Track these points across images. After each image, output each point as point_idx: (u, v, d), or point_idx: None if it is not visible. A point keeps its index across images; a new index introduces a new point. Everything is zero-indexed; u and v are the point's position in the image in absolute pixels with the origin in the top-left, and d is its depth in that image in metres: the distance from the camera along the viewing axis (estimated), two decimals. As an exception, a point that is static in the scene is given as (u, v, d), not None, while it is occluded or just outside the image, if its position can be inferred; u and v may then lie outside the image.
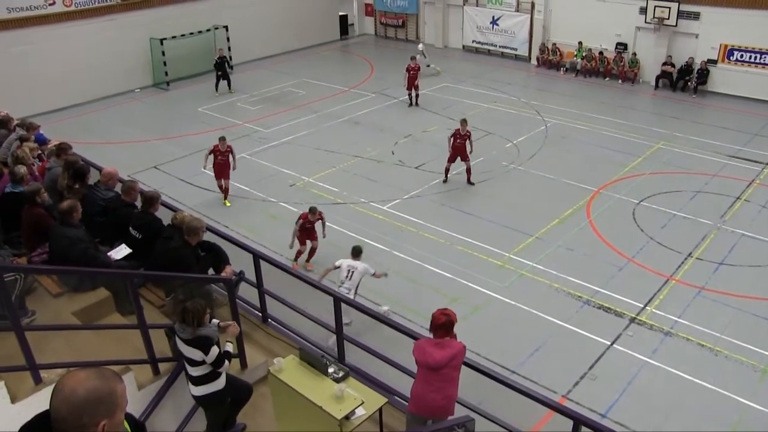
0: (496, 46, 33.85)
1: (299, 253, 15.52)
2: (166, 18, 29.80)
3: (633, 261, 15.36)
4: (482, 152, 21.30)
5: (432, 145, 22.04)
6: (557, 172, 19.97)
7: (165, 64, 29.45)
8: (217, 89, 28.72)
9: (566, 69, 30.87)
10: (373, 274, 12.64)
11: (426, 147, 22.02)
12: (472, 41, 34.66)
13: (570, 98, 27.15)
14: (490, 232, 16.68)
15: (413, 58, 26.63)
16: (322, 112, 25.76)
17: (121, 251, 8.76)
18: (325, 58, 34.66)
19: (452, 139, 19.05)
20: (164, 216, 9.38)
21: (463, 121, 19.18)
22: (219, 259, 8.77)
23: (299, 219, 15.21)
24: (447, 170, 19.54)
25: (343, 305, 8.09)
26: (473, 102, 26.34)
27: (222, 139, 18.42)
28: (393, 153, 21.65)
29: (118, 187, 9.99)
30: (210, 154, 18.25)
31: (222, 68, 28.50)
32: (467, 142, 18.97)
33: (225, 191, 18.63)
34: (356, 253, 12.76)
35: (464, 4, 34.43)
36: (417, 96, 26.38)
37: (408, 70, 26.02)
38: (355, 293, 12.48)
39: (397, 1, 37.74)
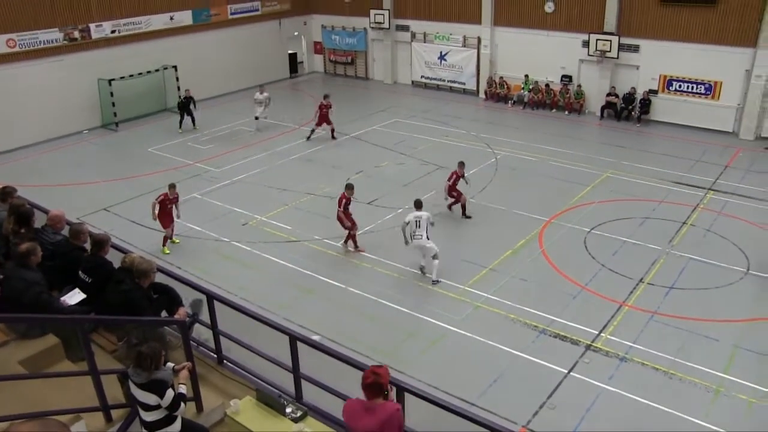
0: (444, 80, 34.37)
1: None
2: (114, 58, 29.58)
3: (586, 288, 15.55)
4: (434, 185, 21.45)
5: (383, 180, 22.12)
6: (509, 203, 20.20)
7: (114, 104, 29.11)
8: (180, 126, 28.70)
9: (514, 102, 31.44)
10: (432, 224, 15.93)
11: (378, 182, 22.06)
12: (421, 76, 35.15)
13: (518, 130, 27.61)
14: (444, 264, 16.73)
15: (326, 97, 26.61)
16: (273, 150, 25.67)
17: (74, 296, 8.54)
18: (276, 96, 34.62)
19: (452, 181, 19.09)
20: (115, 259, 9.19)
21: (461, 164, 19.19)
22: (172, 300, 8.61)
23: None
24: (452, 206, 19.70)
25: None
26: (423, 136, 26.59)
27: (172, 186, 18.06)
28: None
29: (66, 231, 9.78)
30: (158, 203, 17.67)
31: (186, 107, 28.53)
32: (462, 179, 19.22)
33: (165, 239, 18.17)
34: (418, 205, 16.11)
35: (412, 41, 35.00)
36: (333, 130, 26.74)
37: (320, 107, 26.41)
38: (428, 237, 15.73)
39: (346, 39, 38.17)
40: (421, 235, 15.71)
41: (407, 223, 15.76)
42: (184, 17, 32.68)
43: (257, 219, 19.70)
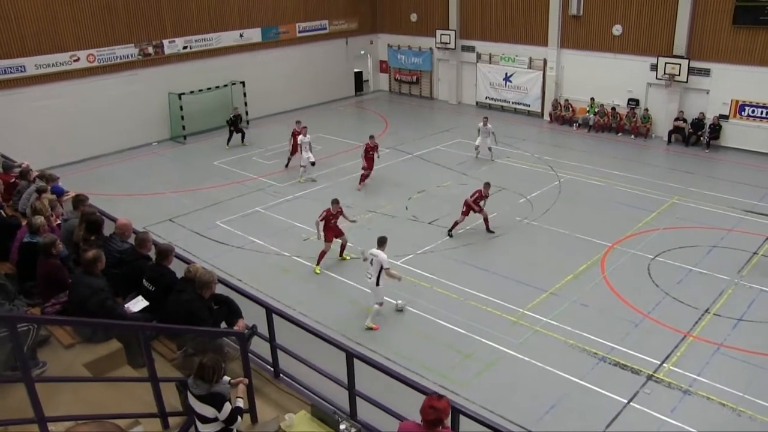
0: (509, 102, 34.16)
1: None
2: (184, 74, 30.38)
3: (649, 317, 15.13)
4: (496, 207, 21.26)
5: (445, 200, 22.01)
6: (571, 227, 19.87)
7: (182, 118, 29.89)
8: (228, 144, 29.14)
9: (579, 125, 31.04)
10: (387, 269, 14.33)
11: (439, 202, 21.99)
12: (486, 97, 35.02)
13: (583, 153, 27.22)
14: (503, 287, 16.53)
15: (372, 137, 23.77)
16: (336, 167, 25.84)
17: (138, 303, 8.72)
18: (341, 113, 35.05)
19: (473, 198, 19.33)
20: (178, 269, 9.35)
21: (487, 185, 19.49)
22: (232, 312, 8.69)
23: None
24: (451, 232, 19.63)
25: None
26: (487, 158, 26.40)
27: (335, 202, 17.63)
28: (407, 208, 21.62)
29: (132, 239, 10.00)
30: (322, 220, 17.32)
31: (235, 124, 29.02)
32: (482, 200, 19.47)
33: (342, 248, 18.11)
34: (380, 242, 14.63)
35: (478, 62, 34.93)
36: (368, 176, 23.87)
37: (366, 150, 23.60)
38: (377, 280, 14.48)
39: (412, 59, 38.32)
40: (371, 276, 14.60)
41: (365, 260, 14.87)
42: (254, 35, 33.34)
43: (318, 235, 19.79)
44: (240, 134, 29.38)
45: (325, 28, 36.79)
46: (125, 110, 28.89)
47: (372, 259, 14.55)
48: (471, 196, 19.38)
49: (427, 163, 26.37)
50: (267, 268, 17.93)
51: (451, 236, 19.44)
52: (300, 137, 24.17)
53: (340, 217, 17.73)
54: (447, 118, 33.43)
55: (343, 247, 18.13)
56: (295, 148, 25.29)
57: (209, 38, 31.46)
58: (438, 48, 36.29)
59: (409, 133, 29.45)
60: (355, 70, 39.63)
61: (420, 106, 36.37)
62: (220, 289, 8.98)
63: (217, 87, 31.41)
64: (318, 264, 17.62)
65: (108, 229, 10.46)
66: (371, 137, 23.73)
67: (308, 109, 35.67)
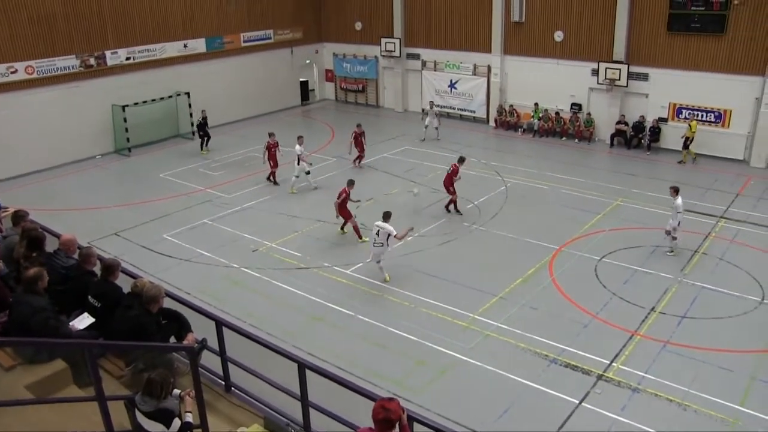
0: (454, 108, 34.45)
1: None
2: (128, 85, 29.84)
3: (597, 318, 15.37)
4: (443, 213, 21.43)
5: (394, 207, 21.87)
6: (519, 231, 20.08)
7: (127, 130, 29.32)
8: (202, 148, 29.39)
9: (524, 130, 31.45)
10: (395, 236, 16.67)
11: (386, 208, 21.86)
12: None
13: (528, 158, 27.59)
14: (454, 293, 16.59)
15: (359, 125, 26.77)
16: (284, 177, 25.65)
17: (83, 321, 8.49)
18: (287, 123, 34.83)
19: (452, 171, 21.36)
20: (124, 284, 9.15)
21: (462, 159, 21.95)
22: (181, 326, 8.53)
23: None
24: (448, 207, 21.84)
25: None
26: (433, 164, 26.52)
27: (350, 183, 20.08)
28: (355, 216, 21.57)
29: (77, 255, 9.74)
30: (340, 202, 19.71)
31: (204, 128, 29.07)
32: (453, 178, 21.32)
33: (356, 229, 19.97)
34: (385, 216, 17.08)
35: (423, 69, 35.17)
36: (361, 158, 26.92)
37: (355, 136, 26.44)
38: (386, 244, 16.91)
39: (357, 67, 38.37)
40: (380, 243, 16.93)
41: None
42: (198, 45, 32.98)
43: (267, 245, 19.65)
44: (206, 138, 29.45)
45: (270, 38, 36.60)
46: (67, 123, 28.22)
47: (378, 231, 16.83)
48: (450, 171, 21.47)
49: (375, 171, 26.40)
50: (216, 280, 17.68)
51: (460, 213, 21.63)
52: (297, 147, 23.76)
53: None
54: (393, 125, 33.53)
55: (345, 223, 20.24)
56: (275, 162, 24.78)
57: (153, 49, 31.00)
58: (383, 56, 36.44)
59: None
60: (301, 79, 39.48)
61: (366, 114, 36.41)
62: (168, 303, 8.82)
63: (162, 98, 30.96)
64: (360, 237, 19.77)
65: (51, 245, 10.17)
66: (358, 125, 26.68)
67: (254, 119, 35.41)
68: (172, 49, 31.85)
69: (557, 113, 30.53)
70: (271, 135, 24.95)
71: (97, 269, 9.47)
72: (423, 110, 30.44)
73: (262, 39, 36.22)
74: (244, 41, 35.29)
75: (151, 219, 21.88)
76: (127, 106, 29.15)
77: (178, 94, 31.66)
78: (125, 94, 29.58)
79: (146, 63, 30.86)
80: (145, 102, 30.08)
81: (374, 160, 27.54)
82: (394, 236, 16.71)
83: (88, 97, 28.78)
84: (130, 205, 23.37)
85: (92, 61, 28.83)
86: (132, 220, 21.84)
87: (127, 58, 30.01)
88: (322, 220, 21.37)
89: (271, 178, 25.16)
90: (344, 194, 19.76)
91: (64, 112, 28.08)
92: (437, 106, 33.44)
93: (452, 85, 34.15)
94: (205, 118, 29.19)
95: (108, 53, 29.34)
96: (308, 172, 24.13)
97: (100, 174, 27.45)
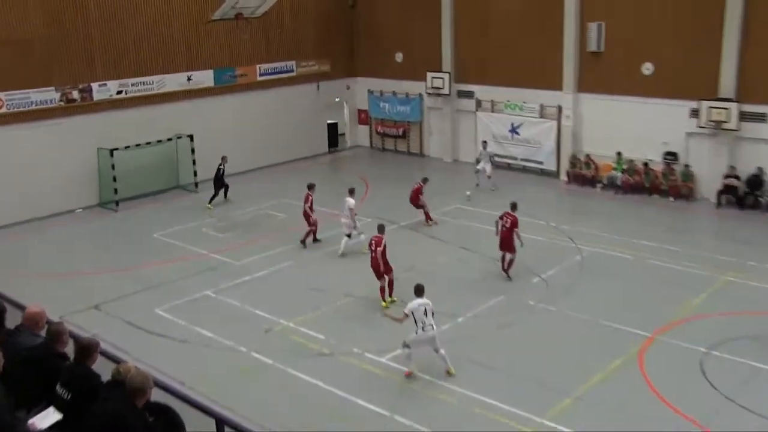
0: (516, 159, 34.47)
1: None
2: (118, 124, 30.45)
3: (707, 431, 14.72)
4: (502, 289, 21.14)
5: (441, 279, 21.82)
6: (598, 312, 19.60)
7: (115, 179, 29.70)
8: (211, 201, 29.92)
9: (604, 185, 31.23)
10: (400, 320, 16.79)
11: (434, 282, 21.51)
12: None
13: (610, 220, 27.26)
14: (516, 390, 16.11)
15: (425, 180, 27.60)
16: (306, 241, 25.71)
17: (48, 417, 8.31)
18: (311, 174, 34.93)
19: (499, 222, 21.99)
20: (104, 370, 8.99)
21: (425, 180, 23.38)
22: (172, 425, 8.34)
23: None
24: (502, 258, 22.22)
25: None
26: (488, 226, 26.19)
27: (381, 229, 20.99)
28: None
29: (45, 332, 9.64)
30: (374, 249, 20.47)
31: (222, 179, 29.93)
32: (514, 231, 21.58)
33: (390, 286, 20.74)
34: (417, 291, 16.82)
35: (477, 110, 35.35)
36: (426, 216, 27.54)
37: (417, 192, 27.37)
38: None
39: (397, 107, 38.72)
40: (432, 327, 16.51)
41: (407, 316, 16.66)
42: (205, 78, 33.67)
43: (283, 325, 19.50)
44: (224, 188, 30.05)
45: (292, 71, 37.23)
46: (42, 168, 28.73)
47: (426, 308, 16.58)
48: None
49: (417, 234, 26.33)
50: (218, 367, 17.52)
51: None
52: (349, 200, 24.27)
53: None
54: (440, 179, 33.39)
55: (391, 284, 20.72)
56: (312, 219, 25.27)
57: (149, 81, 31.68)
58: (429, 94, 36.76)
59: (394, 199, 29.30)
60: (329, 121, 39.94)
61: (407, 165, 36.54)
62: (157, 395, 8.65)
63: (159, 141, 31.46)
64: (385, 299, 20.46)
65: (13, 319, 10.10)
66: (424, 180, 27.54)
67: (271, 169, 35.74)
68: (174, 82, 32.57)
69: (646, 164, 30.26)
70: (311, 187, 25.44)
71: (70, 351, 9.31)
72: (479, 155, 31.52)
73: (283, 72, 36.86)
74: (261, 74, 35.97)
75: (141, 289, 21.90)
76: (116, 149, 29.63)
77: (179, 137, 32.13)
78: (114, 135, 30.08)
79: (141, 98, 31.56)
80: (138, 145, 30.56)
81: (417, 222, 27.49)
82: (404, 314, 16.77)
83: (68, 137, 29.37)
84: (116, 272, 23.45)
85: (75, 94, 29.51)
86: (117, 290, 21.85)
87: (119, 92, 30.71)
88: (352, 294, 21.21)
89: (308, 239, 25.42)
90: (375, 243, 20.64)
91: (38, 156, 28.61)
92: (495, 155, 33.41)
93: (514, 130, 34.20)
94: (220, 166, 29.86)
95: (95, 86, 30.05)
96: (349, 235, 24.39)
97: (81, 232, 27.73)
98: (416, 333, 16.47)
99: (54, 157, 28.98)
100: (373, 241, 20.52)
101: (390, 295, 20.57)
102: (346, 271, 22.83)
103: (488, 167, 31.07)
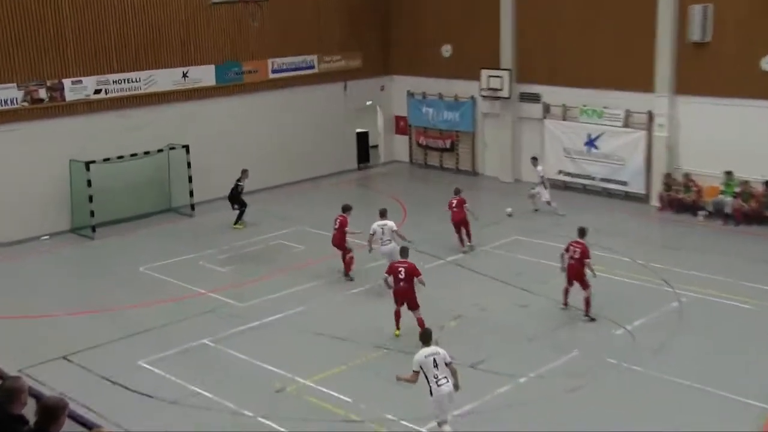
0: (594, 178, 34.30)
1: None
2: (95, 131, 30.68)
3: None
4: (575, 341, 20.94)
5: (496, 329, 21.73)
6: (702, 376, 19.14)
7: (91, 199, 29.77)
8: (238, 221, 30.79)
9: (708, 213, 30.88)
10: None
11: (486, 332, 21.63)
12: (558, 171, 35.21)
13: (717, 258, 26.89)
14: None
15: (458, 192, 28.29)
16: (328, 278, 25.68)
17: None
18: (336, 195, 34.84)
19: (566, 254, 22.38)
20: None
21: (582, 231, 22.63)
22: None
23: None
24: (565, 293, 22.75)
25: None
26: (555, 263, 25.92)
27: (405, 252, 22.12)
28: (437, 342, 21.02)
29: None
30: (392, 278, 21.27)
31: (239, 197, 30.68)
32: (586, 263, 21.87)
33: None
34: (425, 338, 16.76)
35: (545, 117, 35.29)
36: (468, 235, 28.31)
37: (457, 206, 27.82)
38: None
39: (444, 113, 38.77)
40: (447, 378, 16.16)
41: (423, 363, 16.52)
42: (204, 75, 33.86)
43: (299, 383, 19.38)
44: (241, 208, 30.65)
45: (313, 67, 37.33)
46: (0, 186, 28.85)
47: (436, 358, 16.30)
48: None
49: (466, 272, 26.18)
50: (218, 436, 17.39)
51: (593, 320, 22.23)
52: (387, 222, 25.03)
53: None
54: (497, 204, 33.34)
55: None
56: (344, 246, 25.87)
57: (135, 78, 31.88)
58: (484, 97, 36.74)
59: (439, 227, 29.25)
60: (359, 130, 40.01)
61: (456, 185, 36.24)
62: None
63: (147, 153, 31.53)
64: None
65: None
66: (458, 191, 28.27)
67: (286, 189, 35.81)
68: (166, 79, 32.76)
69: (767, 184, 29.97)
70: (346, 210, 26.07)
71: (30, 413, 9.23)
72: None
73: (301, 68, 37.01)
74: (274, 71, 36.13)
75: (122, 336, 21.84)
76: (92, 162, 29.73)
77: (172, 148, 32.26)
78: (91, 144, 30.27)
79: (125, 99, 31.82)
80: (120, 158, 30.67)
81: (466, 256, 27.47)
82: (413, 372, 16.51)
83: (33, 146, 29.50)
84: (91, 314, 23.49)
85: (42, 93, 29.68)
86: (92, 337, 21.80)
87: (97, 91, 30.89)
88: (384, 346, 21.05)
89: (351, 270, 25.95)
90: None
91: (-3, 169, 28.77)
92: (567, 174, 33.16)
93: (591, 143, 34.02)
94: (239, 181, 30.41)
95: (68, 82, 30.25)
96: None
97: (48, 264, 27.84)
98: (431, 393, 16.27)
99: (15, 172, 29.12)
100: (402, 269, 21.23)
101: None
102: (377, 317, 22.54)
103: (544, 191, 31.37)
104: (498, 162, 37.20)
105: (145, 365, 20.18)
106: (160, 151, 31.95)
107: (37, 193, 29.72)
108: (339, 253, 25.63)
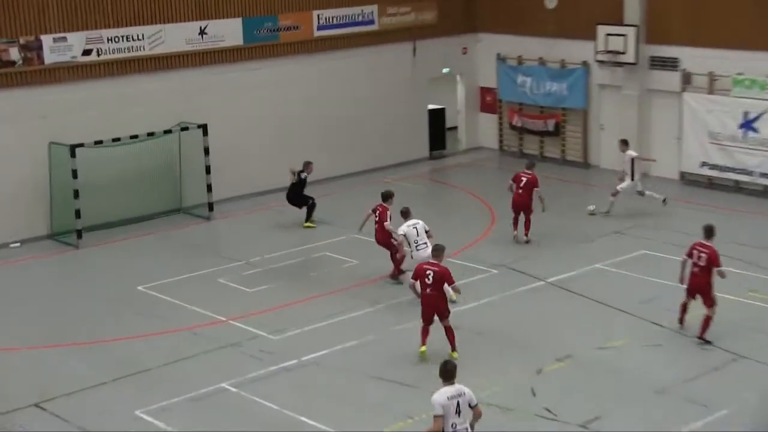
0: (752, 173, 33.84)
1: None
2: (83, 106, 30.73)
3: None
4: (725, 395, 20.33)
5: (614, 375, 21.38)
6: None
7: (77, 195, 29.85)
8: (309, 218, 31.76)
9: None
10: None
11: (601, 380, 21.29)
12: (702, 164, 34.99)
13: None
14: None
15: (531, 167, 30.02)
16: (387, 303, 25.46)
17: None
18: (400, 194, 34.58)
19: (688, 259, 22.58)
20: None
21: (709, 230, 22.74)
22: None
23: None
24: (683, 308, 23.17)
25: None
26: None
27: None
28: (534, 393, 20.81)
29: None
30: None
31: (300, 193, 31.58)
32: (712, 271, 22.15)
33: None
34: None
35: (684, 89, 35.00)
36: (528, 225, 29.87)
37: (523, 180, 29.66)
38: None
39: (546, 84, 38.58)
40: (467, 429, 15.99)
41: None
42: (228, 31, 33.97)
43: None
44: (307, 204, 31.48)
45: (372, 22, 37.24)
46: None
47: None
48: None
49: (576, 298, 25.86)
50: None
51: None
52: (418, 223, 25.68)
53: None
54: (617, 205, 32.83)
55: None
56: (389, 243, 26.79)
57: (137, 35, 31.96)
58: (601, 62, 36.59)
59: (542, 238, 28.95)
60: (431, 106, 39.71)
61: (562, 180, 36.28)
62: None
63: (151, 135, 31.54)
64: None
65: None
66: (532, 165, 29.91)
67: (334, 184, 35.83)
68: (176, 37, 32.87)
69: None
70: (387, 197, 27.02)
71: None
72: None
73: (357, 24, 36.96)
74: (320, 27, 36.10)
75: (114, 377, 21.68)
76: (79, 146, 29.74)
77: (184, 128, 32.28)
78: (78, 123, 30.35)
79: (123, 63, 31.86)
80: (117, 140, 30.69)
81: (573, 276, 27.19)
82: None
83: (2, 125, 29.57)
84: (73, 346, 23.44)
85: (14, 53, 29.70)
86: (74, 378, 21.70)
87: (86, 52, 30.93)
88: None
89: (399, 272, 27.06)
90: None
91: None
92: (715, 167, 32.69)
93: (748, 124, 33.61)
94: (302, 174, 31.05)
95: (48, 40, 30.31)
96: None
97: (18, 280, 27.92)
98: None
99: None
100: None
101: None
102: (469, 360, 22.04)
103: (629, 183, 31.91)
104: (618, 150, 36.62)
105: (143, 416, 20.07)
106: (168, 132, 31.98)
107: (5, 185, 29.87)
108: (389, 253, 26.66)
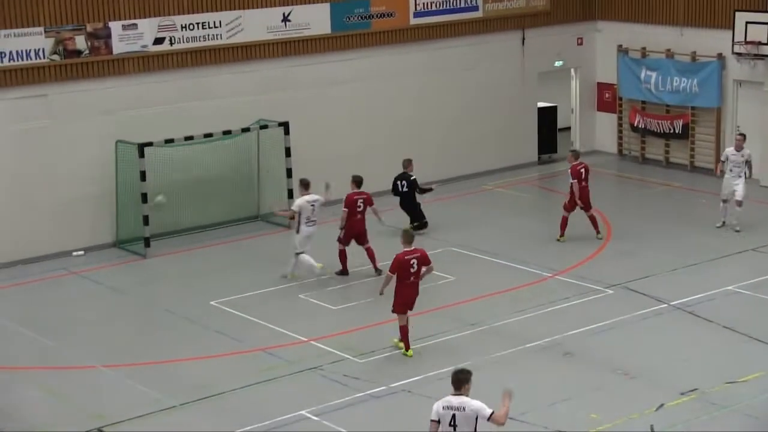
0: None
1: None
2: (153, 101, 31.15)
3: None
4: None
5: (746, 415, 21.04)
6: None
7: (145, 199, 30.22)
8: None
9: None
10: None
11: (732, 420, 20.93)
12: None
13: None
14: None
15: (575, 155, 29.92)
16: (491, 323, 25.44)
17: None
18: (505, 201, 34.72)
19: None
20: None
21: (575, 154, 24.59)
22: None
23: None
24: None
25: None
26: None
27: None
28: (653, 431, 20.68)
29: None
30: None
31: (412, 200, 31.94)
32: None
33: None
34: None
35: None
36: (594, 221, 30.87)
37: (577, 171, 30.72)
38: None
39: (674, 80, 38.26)
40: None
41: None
42: (314, 18, 34.21)
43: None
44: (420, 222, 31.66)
45: (476, 8, 37.28)
46: (16, 177, 29.52)
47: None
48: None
49: (702, 323, 25.72)
50: None
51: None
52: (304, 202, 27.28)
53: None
54: (757, 226, 32.84)
55: None
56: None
57: (214, 23, 32.29)
58: (739, 55, 36.27)
59: (666, 255, 28.94)
60: (542, 104, 39.73)
61: (690, 190, 36.10)
62: None
63: (227, 133, 31.90)
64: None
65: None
66: (574, 153, 31.05)
67: (441, 188, 35.56)
68: (257, 25, 33.16)
69: None
70: (357, 182, 28.11)
71: None
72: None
73: (459, 10, 37.03)
74: (417, 13, 36.16)
75: (182, 401, 21.87)
76: (148, 145, 30.14)
77: (264, 126, 32.62)
78: (148, 120, 30.74)
79: (198, 54, 32.17)
80: (189, 139, 31.05)
81: (704, 299, 26.94)
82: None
83: (66, 120, 30.12)
84: (138, 366, 23.71)
85: (81, 42, 30.12)
86: (140, 401, 21.94)
87: (158, 41, 31.30)
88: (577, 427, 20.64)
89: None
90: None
91: (11, 153, 29.38)
92: None
93: None
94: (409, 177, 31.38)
95: (116, 27, 30.67)
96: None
97: (81, 293, 28.35)
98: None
99: (38, 158, 29.74)
100: None
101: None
102: (566, 392, 22.18)
103: (741, 184, 31.49)
104: (759, 157, 36.38)
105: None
106: (246, 130, 32.28)
107: (68, 189, 30.24)
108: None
